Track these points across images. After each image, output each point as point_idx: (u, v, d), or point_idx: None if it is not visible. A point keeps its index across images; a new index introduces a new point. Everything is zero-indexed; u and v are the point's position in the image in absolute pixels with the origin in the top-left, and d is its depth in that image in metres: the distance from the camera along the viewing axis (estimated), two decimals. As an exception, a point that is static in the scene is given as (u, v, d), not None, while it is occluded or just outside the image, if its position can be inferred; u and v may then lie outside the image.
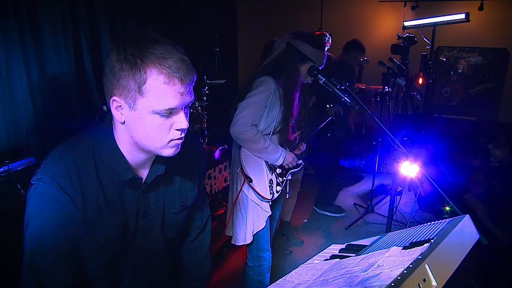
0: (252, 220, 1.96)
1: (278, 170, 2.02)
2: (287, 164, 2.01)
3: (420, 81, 4.36)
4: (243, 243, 1.98)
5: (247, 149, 1.92)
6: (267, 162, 1.97)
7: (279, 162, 1.95)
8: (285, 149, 2.01)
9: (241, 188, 1.95)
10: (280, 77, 1.88)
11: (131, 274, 1.08)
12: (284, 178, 2.05)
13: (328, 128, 3.49)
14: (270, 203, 1.99)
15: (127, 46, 0.82)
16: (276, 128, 1.93)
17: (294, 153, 2.10)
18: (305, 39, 1.85)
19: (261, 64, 1.98)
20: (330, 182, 3.86)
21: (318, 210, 3.84)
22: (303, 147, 2.20)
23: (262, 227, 1.97)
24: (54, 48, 2.82)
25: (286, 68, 1.87)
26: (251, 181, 1.93)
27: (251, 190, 1.94)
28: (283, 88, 1.88)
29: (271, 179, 1.98)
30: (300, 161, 2.09)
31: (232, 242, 2.03)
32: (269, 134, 1.93)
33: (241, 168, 1.95)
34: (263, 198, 1.94)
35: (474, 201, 2.61)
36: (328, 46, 3.79)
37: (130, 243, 1.04)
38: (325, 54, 1.90)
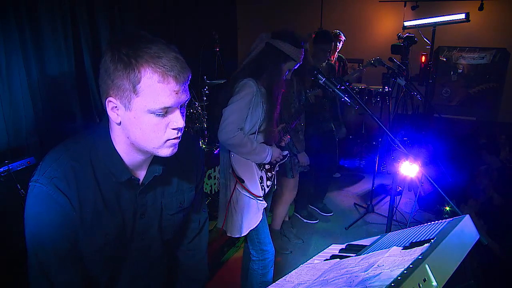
0: (247, 214, 2.00)
1: (267, 166, 2.07)
2: (275, 160, 2.06)
3: (423, 59, 4.32)
4: (239, 235, 2.01)
5: (236, 153, 1.96)
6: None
7: (267, 160, 2.00)
8: (271, 145, 2.06)
9: (235, 186, 1.98)
10: (262, 77, 1.91)
11: (129, 274, 1.09)
12: (273, 172, 2.11)
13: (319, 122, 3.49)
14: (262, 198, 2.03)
15: (121, 46, 0.82)
16: (260, 127, 1.97)
17: (280, 145, 2.16)
18: (285, 39, 1.89)
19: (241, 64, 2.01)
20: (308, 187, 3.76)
21: (297, 215, 3.74)
22: (287, 139, 2.25)
23: (259, 219, 2.00)
24: (54, 48, 2.82)
25: (268, 67, 1.90)
26: (243, 181, 1.97)
27: (244, 189, 1.99)
28: (265, 87, 1.92)
29: (261, 176, 2.03)
30: (286, 152, 2.14)
31: (228, 234, 2.06)
32: (255, 134, 1.97)
33: (232, 170, 1.99)
34: (254, 196, 1.98)
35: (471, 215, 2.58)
36: (341, 43, 3.76)
37: (127, 244, 1.04)
38: (303, 51, 1.95)
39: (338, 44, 3.79)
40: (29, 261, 0.91)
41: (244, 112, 1.87)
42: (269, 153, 1.98)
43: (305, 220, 3.67)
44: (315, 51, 3.35)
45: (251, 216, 2.00)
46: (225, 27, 5.34)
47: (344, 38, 3.87)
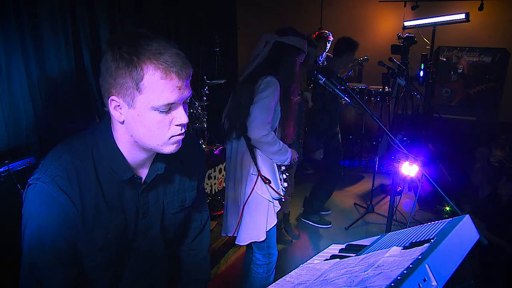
0: (266, 217, 1.99)
1: (283, 167, 2.07)
2: (292, 161, 2.07)
3: (421, 73, 4.32)
4: (257, 240, 1.99)
5: (264, 152, 1.94)
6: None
7: (288, 162, 2.00)
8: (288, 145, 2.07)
9: (253, 189, 1.95)
10: (279, 74, 1.91)
11: (131, 274, 1.08)
12: (287, 173, 2.10)
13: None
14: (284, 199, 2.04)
15: (122, 45, 0.82)
16: (279, 125, 1.98)
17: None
18: (292, 33, 1.92)
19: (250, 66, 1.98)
20: (321, 187, 3.71)
21: (303, 220, 3.68)
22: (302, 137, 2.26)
23: (275, 222, 2.01)
24: (54, 48, 2.82)
25: (284, 64, 1.91)
26: (270, 182, 1.96)
27: (265, 190, 1.96)
28: (282, 84, 1.92)
29: (280, 177, 2.03)
30: (297, 155, 2.17)
31: (239, 243, 2.01)
32: (275, 131, 1.98)
33: (257, 170, 1.96)
34: (279, 195, 1.98)
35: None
36: (330, 43, 3.74)
37: (129, 243, 1.03)
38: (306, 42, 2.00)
39: (327, 44, 3.76)
40: (22, 260, 0.90)
41: (272, 109, 1.88)
42: (290, 154, 2.00)
43: (319, 226, 3.58)
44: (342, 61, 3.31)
45: (270, 218, 2.00)
46: (225, 27, 5.34)
47: (332, 38, 3.83)
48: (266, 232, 2.00)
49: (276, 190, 1.97)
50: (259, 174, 1.96)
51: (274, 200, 2.01)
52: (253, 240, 2.01)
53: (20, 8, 2.54)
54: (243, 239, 2.02)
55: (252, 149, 1.96)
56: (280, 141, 1.95)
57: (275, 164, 2.00)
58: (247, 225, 2.00)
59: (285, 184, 2.05)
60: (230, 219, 2.05)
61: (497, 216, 2.59)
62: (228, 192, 2.08)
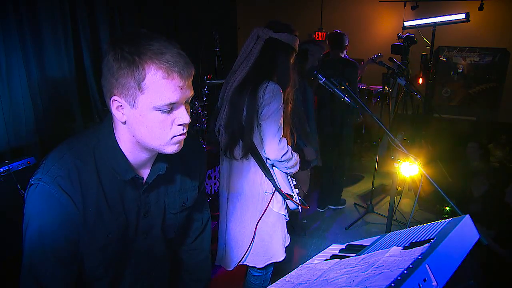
0: (284, 234, 1.91)
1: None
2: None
3: (420, 81, 4.38)
4: (276, 260, 1.89)
5: (283, 169, 1.82)
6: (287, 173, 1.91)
7: (297, 169, 1.90)
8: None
9: (267, 206, 1.83)
10: (273, 76, 1.75)
11: (132, 274, 1.08)
12: (294, 179, 2.02)
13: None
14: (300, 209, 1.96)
15: (123, 45, 0.82)
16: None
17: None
18: (286, 29, 1.73)
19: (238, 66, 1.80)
20: (334, 180, 3.86)
21: (332, 207, 3.91)
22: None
23: (289, 240, 1.95)
24: (54, 48, 2.83)
25: (280, 66, 1.75)
26: (292, 196, 1.86)
27: (281, 206, 1.86)
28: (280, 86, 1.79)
29: (293, 186, 1.96)
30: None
31: (256, 265, 1.89)
32: None
33: (277, 188, 1.83)
34: (298, 205, 1.89)
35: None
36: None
37: (130, 243, 1.03)
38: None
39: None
40: (23, 261, 0.90)
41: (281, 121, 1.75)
42: (298, 162, 1.89)
43: (340, 207, 3.91)
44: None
45: (286, 235, 1.92)
46: (225, 27, 5.34)
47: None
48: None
49: (298, 202, 1.87)
50: (281, 191, 1.82)
51: (287, 213, 1.90)
52: (272, 261, 1.89)
53: (20, 9, 2.54)
54: (259, 261, 1.89)
55: (265, 168, 1.79)
56: (292, 151, 1.81)
57: (287, 175, 1.90)
58: (263, 245, 1.88)
59: (297, 191, 1.95)
60: (234, 245, 1.92)
61: (505, 225, 2.57)
62: (230, 215, 1.93)
